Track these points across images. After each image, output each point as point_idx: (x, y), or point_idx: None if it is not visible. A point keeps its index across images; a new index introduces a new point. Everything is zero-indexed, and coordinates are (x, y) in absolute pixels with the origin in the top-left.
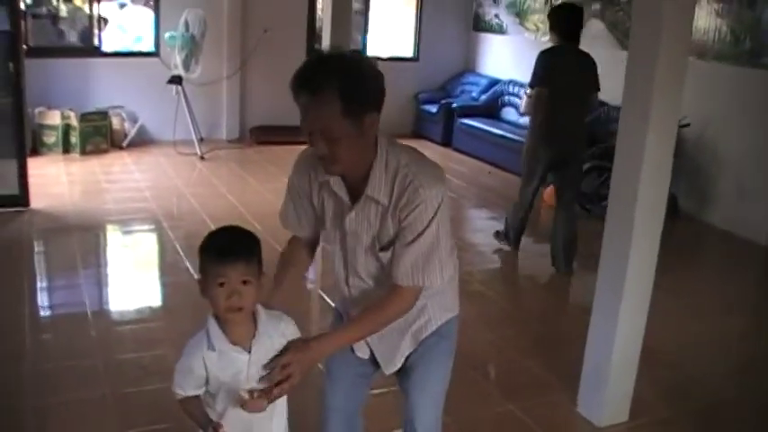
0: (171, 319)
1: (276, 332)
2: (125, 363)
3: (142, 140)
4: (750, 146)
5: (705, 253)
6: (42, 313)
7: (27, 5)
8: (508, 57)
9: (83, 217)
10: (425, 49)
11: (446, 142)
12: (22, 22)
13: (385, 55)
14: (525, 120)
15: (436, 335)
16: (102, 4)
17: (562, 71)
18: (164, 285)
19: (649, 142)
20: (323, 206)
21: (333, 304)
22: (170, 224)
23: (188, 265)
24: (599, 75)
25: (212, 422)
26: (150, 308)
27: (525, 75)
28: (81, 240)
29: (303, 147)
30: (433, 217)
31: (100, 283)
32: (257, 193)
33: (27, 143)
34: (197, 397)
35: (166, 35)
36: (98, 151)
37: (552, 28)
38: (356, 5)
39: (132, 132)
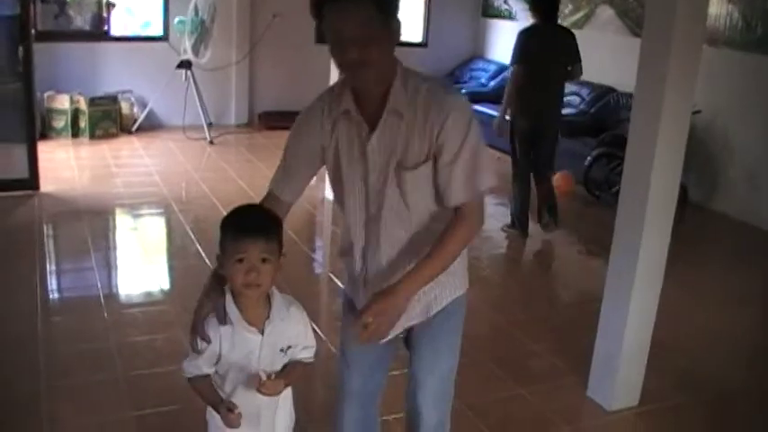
0: (182, 302)
1: (287, 316)
2: (137, 345)
3: (151, 125)
4: (761, 133)
5: (715, 242)
6: (54, 296)
7: None
8: None
9: (93, 201)
10: (434, 34)
11: None
12: (31, 7)
13: None
14: None
15: (444, 312)
16: None
17: (539, 49)
18: (175, 269)
19: (662, 130)
20: (336, 149)
21: (341, 285)
22: (180, 208)
23: (199, 248)
24: (579, 49)
25: (225, 401)
26: (162, 291)
27: None
28: (91, 224)
29: None
30: (468, 122)
31: (111, 266)
32: (266, 177)
33: (36, 127)
34: (208, 376)
35: (176, 20)
36: (107, 136)
37: (531, 9)
38: None
39: (141, 117)
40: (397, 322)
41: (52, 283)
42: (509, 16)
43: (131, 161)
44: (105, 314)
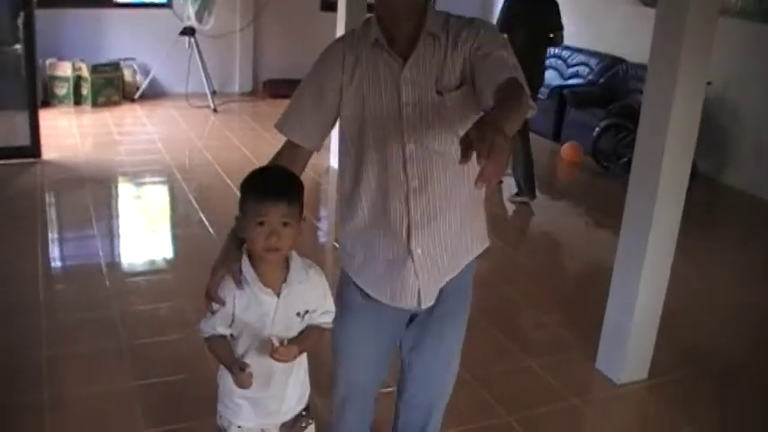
0: (186, 271)
1: (306, 279)
2: (141, 314)
3: (154, 93)
4: None
5: (724, 215)
6: (56, 265)
7: None
8: None
9: (95, 168)
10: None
11: None
12: None
13: None
14: (548, 80)
15: (459, 282)
16: None
17: (525, 16)
18: (178, 237)
19: (677, 102)
20: (360, 87)
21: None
22: (183, 176)
23: (202, 216)
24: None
25: (237, 361)
26: (165, 259)
27: None
28: (93, 192)
29: None
30: (503, 36)
31: (113, 234)
32: (271, 145)
33: (38, 95)
34: (224, 337)
35: None
36: (109, 103)
37: None
38: None
39: (144, 84)
40: (431, 282)
41: (54, 251)
42: None
43: (134, 129)
44: (107, 282)
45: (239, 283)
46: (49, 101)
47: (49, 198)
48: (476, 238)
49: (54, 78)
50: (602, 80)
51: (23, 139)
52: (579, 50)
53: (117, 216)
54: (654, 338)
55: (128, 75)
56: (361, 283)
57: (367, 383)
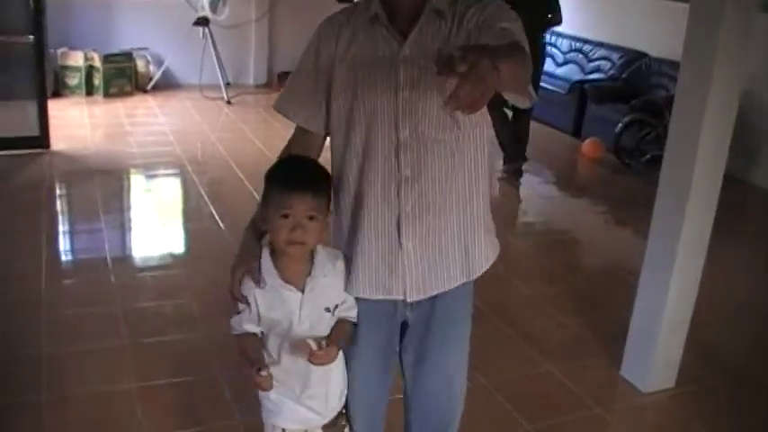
0: (194, 267)
1: (332, 272)
2: (145, 311)
3: (167, 84)
4: None
5: (753, 216)
6: (60, 258)
7: None
8: None
9: (105, 160)
10: None
11: None
12: None
13: None
14: (562, 70)
15: (453, 299)
16: None
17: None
18: (187, 232)
19: (711, 101)
20: (353, 63)
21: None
22: (195, 169)
23: (212, 210)
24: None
25: (257, 362)
26: (172, 255)
27: (564, 23)
28: (102, 184)
29: None
30: (514, 14)
31: (121, 228)
32: (285, 139)
33: (49, 84)
34: (254, 335)
35: None
36: (122, 94)
37: None
38: None
39: (157, 75)
40: (434, 280)
41: (59, 244)
42: None
43: (146, 120)
44: (112, 278)
45: (258, 282)
46: (60, 91)
47: (56, 190)
48: (478, 246)
49: (65, 68)
50: (624, 75)
51: (32, 130)
52: (600, 44)
53: (125, 209)
54: (682, 345)
55: (141, 65)
56: (351, 277)
57: (370, 394)
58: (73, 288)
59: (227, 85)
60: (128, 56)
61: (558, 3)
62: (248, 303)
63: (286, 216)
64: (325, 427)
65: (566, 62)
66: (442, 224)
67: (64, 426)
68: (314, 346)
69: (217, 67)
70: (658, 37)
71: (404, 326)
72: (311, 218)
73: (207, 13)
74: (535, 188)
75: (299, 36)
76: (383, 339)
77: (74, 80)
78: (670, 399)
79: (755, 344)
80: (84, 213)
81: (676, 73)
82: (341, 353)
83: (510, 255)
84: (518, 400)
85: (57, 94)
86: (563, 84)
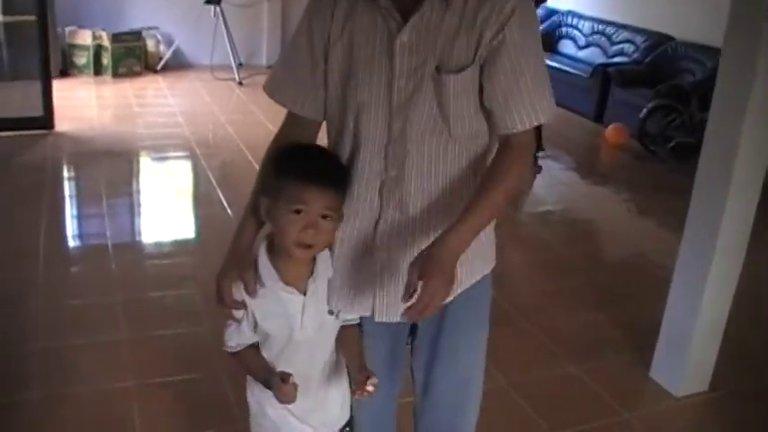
0: (200, 255)
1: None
2: (146, 303)
3: (178, 64)
4: None
5: None
6: (58, 245)
7: None
8: None
9: (111, 141)
10: None
11: None
12: None
13: None
14: (584, 53)
15: (466, 296)
16: None
17: None
18: (194, 218)
19: (755, 87)
20: (349, 44)
21: None
22: (204, 152)
23: (221, 196)
24: None
25: (277, 373)
26: (177, 242)
27: (585, 5)
28: (107, 166)
29: None
30: (537, 22)
31: (124, 213)
32: None
33: (57, 64)
34: (253, 346)
35: None
36: (131, 74)
37: None
38: None
39: (167, 55)
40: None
41: (58, 230)
42: None
43: (155, 101)
44: (113, 266)
45: (254, 292)
46: (68, 70)
47: (59, 172)
48: (479, 256)
49: (73, 47)
50: (648, 59)
51: (36, 110)
52: (624, 27)
53: (130, 193)
54: (717, 348)
55: (150, 45)
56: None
57: (374, 409)
58: (71, 276)
59: (239, 65)
60: (137, 35)
61: None
62: (246, 308)
63: (298, 212)
64: None
65: (587, 45)
66: (422, 238)
67: (57, 426)
68: (371, 389)
69: (228, 47)
70: (684, 20)
71: (413, 327)
72: (325, 217)
73: None
74: (555, 175)
75: None
76: (384, 352)
77: (82, 59)
78: (704, 404)
79: None
80: (87, 197)
81: (703, 57)
82: (343, 363)
83: (529, 245)
84: (540, 403)
85: (65, 73)
86: (585, 67)
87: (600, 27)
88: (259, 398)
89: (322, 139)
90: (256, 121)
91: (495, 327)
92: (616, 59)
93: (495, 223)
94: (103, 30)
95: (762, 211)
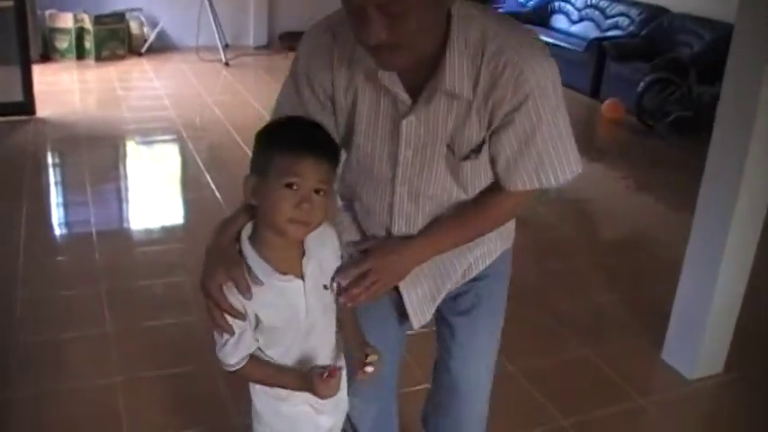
0: (189, 241)
1: (323, 240)
2: (133, 293)
3: (163, 46)
4: None
5: None
6: (41, 234)
7: None
8: None
9: (94, 126)
10: None
11: None
12: None
13: None
14: (578, 28)
15: (487, 278)
16: None
17: None
18: (182, 203)
19: None
20: (354, 109)
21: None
22: (191, 135)
23: (209, 179)
24: None
25: (311, 371)
26: (165, 228)
27: None
28: (91, 151)
29: None
30: (553, 105)
31: (109, 199)
32: None
33: (37, 48)
34: (252, 356)
35: None
36: (114, 57)
37: None
38: None
39: (152, 37)
40: (432, 306)
41: (40, 218)
42: None
43: (139, 84)
44: (97, 255)
45: (247, 292)
46: (49, 55)
47: (40, 158)
48: (491, 248)
49: (54, 31)
50: (644, 32)
51: (17, 95)
52: (618, 0)
53: (115, 179)
54: (733, 327)
55: (134, 27)
56: None
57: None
58: (54, 267)
59: (226, 46)
60: (120, 17)
61: None
62: (245, 317)
63: (291, 186)
64: None
65: (581, 19)
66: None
67: (41, 424)
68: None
69: (214, 28)
70: None
71: None
72: (318, 191)
73: None
74: None
75: None
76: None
77: (63, 43)
78: (719, 386)
79: None
80: (70, 183)
81: (701, 29)
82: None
83: (527, 224)
84: (551, 389)
85: (46, 58)
86: (579, 42)
87: (593, 1)
88: (269, 399)
89: None
90: (244, 101)
91: None
92: (611, 33)
93: None
94: (85, 12)
95: None
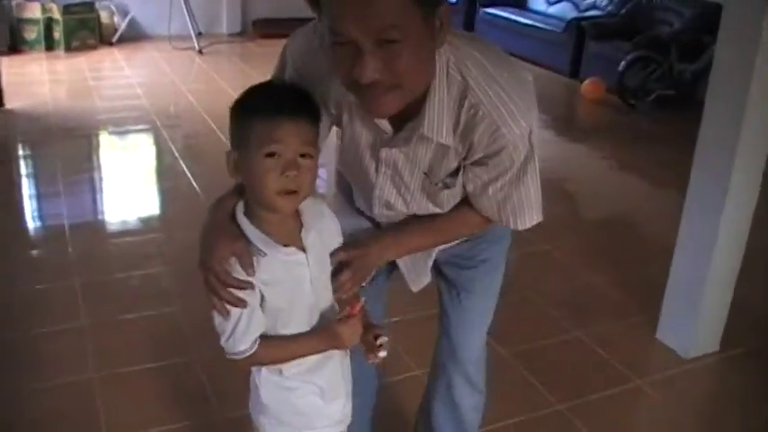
0: (166, 231)
1: (320, 213)
2: (108, 285)
3: (135, 35)
4: None
5: None
6: (11, 228)
7: None
8: None
9: (65, 117)
10: None
11: None
12: None
13: None
14: (555, 9)
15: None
16: None
17: None
18: (158, 193)
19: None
20: (340, 122)
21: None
22: (165, 123)
23: (185, 168)
24: None
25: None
26: (141, 218)
27: None
28: (62, 142)
29: None
30: (525, 157)
31: (81, 191)
32: None
33: (5, 39)
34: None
35: None
36: (85, 47)
37: None
38: None
39: (123, 26)
40: (426, 270)
41: (10, 212)
42: None
43: (111, 74)
44: (70, 248)
45: (249, 266)
46: (18, 46)
47: (10, 151)
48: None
49: (23, 21)
50: (623, 11)
51: None
52: None
53: (88, 170)
54: (729, 302)
55: (104, 16)
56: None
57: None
58: (23, 261)
59: (199, 34)
60: (90, 6)
61: None
62: (254, 286)
63: (273, 155)
64: None
65: (558, 0)
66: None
67: (15, 424)
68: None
69: (186, 15)
70: None
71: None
72: (304, 155)
73: None
74: None
75: None
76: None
77: (32, 34)
78: (717, 364)
79: None
80: (41, 175)
81: (681, 7)
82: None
83: None
84: (546, 373)
85: (14, 49)
86: (557, 22)
87: None
88: (277, 391)
89: None
90: (219, 89)
91: None
92: (589, 14)
93: None
94: (53, 2)
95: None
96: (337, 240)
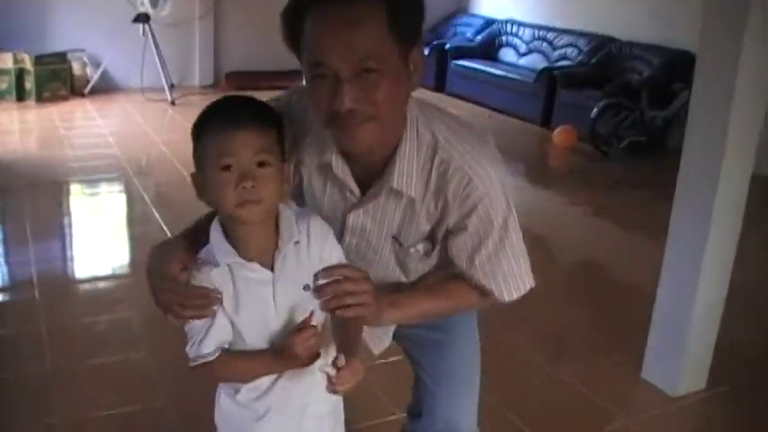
0: (135, 276)
1: (306, 233)
2: (75, 330)
3: (107, 86)
4: None
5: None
6: None
7: None
8: None
9: (35, 165)
10: None
11: (439, 87)
12: None
13: None
14: (526, 60)
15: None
16: None
17: None
18: (128, 239)
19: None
20: (310, 181)
21: None
22: (137, 171)
23: (158, 216)
24: None
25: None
26: (110, 264)
27: (525, 13)
28: (31, 189)
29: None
30: (504, 218)
31: (49, 239)
32: None
33: None
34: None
35: None
36: (56, 98)
37: None
38: None
39: (95, 78)
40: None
41: None
42: None
43: (83, 123)
44: (37, 294)
45: (214, 259)
46: None
47: None
48: None
49: None
50: (593, 60)
51: None
52: (565, 31)
53: (57, 217)
54: (714, 339)
55: (76, 67)
56: None
57: None
58: None
59: (172, 87)
60: (62, 57)
61: None
62: (219, 291)
63: (228, 167)
64: None
65: (529, 51)
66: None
67: None
68: (331, 371)
69: (159, 67)
70: (625, 19)
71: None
72: (261, 164)
73: (147, 9)
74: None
75: (248, 34)
76: None
77: (3, 84)
78: (704, 403)
79: None
80: (8, 222)
81: (649, 55)
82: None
83: None
84: (534, 417)
85: None
86: (528, 73)
87: (541, 33)
88: (236, 419)
89: None
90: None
91: None
92: (559, 64)
93: None
94: (26, 52)
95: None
96: (329, 253)
